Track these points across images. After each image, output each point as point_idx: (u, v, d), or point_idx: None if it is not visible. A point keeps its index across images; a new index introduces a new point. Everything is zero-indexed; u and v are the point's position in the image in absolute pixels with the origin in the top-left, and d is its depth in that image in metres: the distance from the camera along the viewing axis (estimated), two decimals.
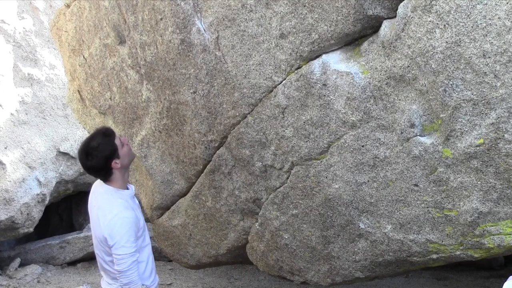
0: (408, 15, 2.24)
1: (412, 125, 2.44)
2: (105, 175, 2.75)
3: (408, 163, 2.53)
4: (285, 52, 2.74)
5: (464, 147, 2.28)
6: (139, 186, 4.15)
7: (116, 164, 2.70)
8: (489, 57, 2.06)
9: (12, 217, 5.73)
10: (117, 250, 2.67)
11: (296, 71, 2.76)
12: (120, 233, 2.67)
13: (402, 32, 2.29)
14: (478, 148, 2.25)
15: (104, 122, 4.05)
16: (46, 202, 6.21)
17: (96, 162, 2.68)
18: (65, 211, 7.89)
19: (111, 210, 2.72)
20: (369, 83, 2.51)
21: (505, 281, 1.89)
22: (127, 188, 2.87)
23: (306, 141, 2.82)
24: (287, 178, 3.04)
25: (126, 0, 3.36)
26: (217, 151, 3.28)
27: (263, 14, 2.75)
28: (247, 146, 3.08)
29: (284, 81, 2.81)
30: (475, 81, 2.12)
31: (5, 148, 5.71)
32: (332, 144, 2.76)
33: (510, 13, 1.98)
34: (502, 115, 2.12)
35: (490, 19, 2.02)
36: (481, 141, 2.22)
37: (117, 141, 2.73)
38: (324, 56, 2.66)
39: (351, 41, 2.58)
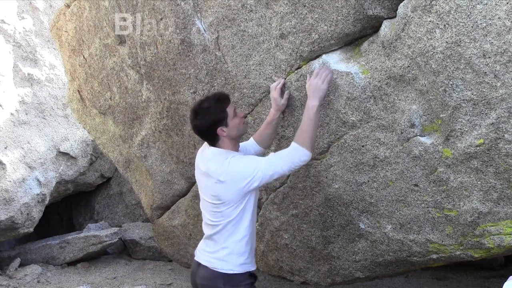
0: (408, 15, 2.24)
1: (412, 125, 2.44)
2: (211, 139, 2.58)
3: (408, 163, 2.53)
4: (285, 52, 2.74)
5: (464, 147, 2.28)
6: (139, 186, 4.15)
7: (222, 131, 2.52)
8: (489, 57, 2.06)
9: (12, 217, 5.73)
10: (262, 173, 2.44)
11: (296, 71, 2.76)
12: (247, 163, 2.48)
13: (402, 32, 2.29)
14: (478, 148, 2.25)
15: (104, 122, 4.06)
16: (46, 202, 6.21)
17: (201, 123, 2.54)
18: (65, 211, 7.89)
19: (225, 158, 2.50)
20: (369, 83, 2.51)
21: (505, 281, 1.89)
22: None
23: None
24: (287, 178, 3.04)
25: (126, 0, 3.36)
26: None
27: (263, 14, 2.75)
28: None
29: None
30: (475, 81, 2.12)
31: (5, 148, 5.71)
32: (332, 144, 2.76)
33: (510, 13, 1.98)
34: (502, 115, 2.12)
35: (490, 19, 2.02)
36: (481, 141, 2.22)
37: (229, 109, 2.57)
38: (324, 56, 2.66)
39: (351, 41, 2.58)
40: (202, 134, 2.61)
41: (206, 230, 2.66)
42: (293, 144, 2.54)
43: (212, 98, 2.60)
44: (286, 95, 2.79)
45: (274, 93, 2.76)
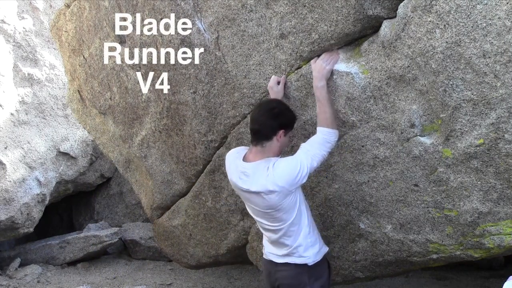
0: (408, 15, 2.24)
1: (412, 125, 2.44)
2: (265, 137, 2.51)
3: (408, 163, 2.53)
4: (285, 52, 2.74)
5: (464, 147, 2.28)
6: (139, 186, 4.15)
7: (280, 137, 2.51)
8: (489, 57, 2.06)
9: (12, 217, 5.73)
10: (307, 168, 2.45)
11: (296, 71, 2.76)
12: (289, 165, 2.45)
13: (402, 32, 2.29)
14: (478, 148, 2.25)
15: (104, 122, 4.05)
16: (46, 202, 6.22)
17: (268, 118, 2.50)
18: (65, 211, 7.89)
19: (265, 168, 2.47)
20: (369, 83, 2.51)
21: (505, 281, 1.89)
22: None
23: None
24: None
25: (126, 0, 3.36)
26: (217, 151, 3.28)
27: (263, 14, 2.75)
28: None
29: None
30: (475, 81, 2.12)
31: (5, 148, 5.71)
32: None
33: (510, 13, 1.98)
34: (502, 115, 2.12)
35: (490, 19, 2.02)
36: (481, 141, 2.22)
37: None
38: None
39: (351, 41, 2.58)
40: (261, 129, 2.53)
41: (270, 235, 2.66)
42: (321, 129, 2.57)
43: (284, 105, 2.63)
44: (282, 81, 2.76)
45: (271, 83, 2.76)
